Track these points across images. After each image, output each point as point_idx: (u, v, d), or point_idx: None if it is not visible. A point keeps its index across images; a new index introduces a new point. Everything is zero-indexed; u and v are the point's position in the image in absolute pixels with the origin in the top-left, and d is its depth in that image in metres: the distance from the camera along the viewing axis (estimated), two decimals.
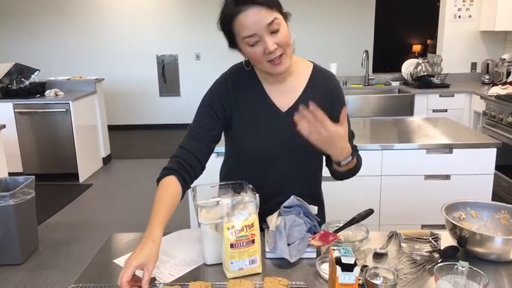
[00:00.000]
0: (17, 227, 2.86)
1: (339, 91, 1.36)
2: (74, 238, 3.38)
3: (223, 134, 1.38)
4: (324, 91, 1.33)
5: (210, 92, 1.34)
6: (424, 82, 4.42)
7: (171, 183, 1.22)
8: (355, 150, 1.38)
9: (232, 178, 1.34)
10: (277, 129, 1.30)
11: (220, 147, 1.45)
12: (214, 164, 1.49)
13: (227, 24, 1.18)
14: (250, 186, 1.24)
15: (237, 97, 1.31)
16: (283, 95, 1.32)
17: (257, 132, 1.31)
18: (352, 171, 1.30)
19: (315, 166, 1.39)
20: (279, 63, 1.19)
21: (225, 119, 1.32)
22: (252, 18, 1.13)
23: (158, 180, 1.25)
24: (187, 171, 1.26)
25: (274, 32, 1.15)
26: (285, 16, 1.21)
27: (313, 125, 1.09)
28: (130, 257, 1.04)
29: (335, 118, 1.31)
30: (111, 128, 5.63)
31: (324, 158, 1.40)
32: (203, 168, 1.32)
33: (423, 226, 2.44)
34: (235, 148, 1.39)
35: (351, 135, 1.37)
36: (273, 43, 1.15)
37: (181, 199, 1.25)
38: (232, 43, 1.22)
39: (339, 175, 1.31)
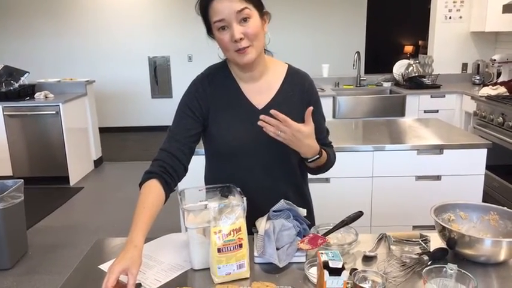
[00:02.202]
0: (5, 232, 2.82)
1: (314, 90, 1.40)
2: (64, 242, 3.35)
3: (201, 136, 1.38)
4: (299, 89, 1.36)
5: (187, 92, 1.35)
6: (415, 83, 4.43)
7: (153, 187, 1.21)
8: (329, 146, 1.44)
9: (215, 180, 1.34)
10: (253, 126, 1.29)
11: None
12: (203, 166, 1.48)
13: (204, 9, 1.22)
14: (238, 189, 1.23)
15: (213, 95, 1.33)
16: (259, 93, 1.34)
17: (234, 129, 1.32)
18: (323, 167, 1.38)
19: (295, 161, 1.38)
20: (243, 53, 1.21)
21: (203, 118, 1.33)
22: (224, 4, 1.16)
23: (140, 185, 1.23)
24: (169, 174, 1.25)
25: (243, 21, 1.18)
26: (262, 14, 1.24)
27: (277, 127, 1.16)
28: (114, 262, 1.03)
29: (313, 117, 1.34)
30: (103, 130, 5.59)
31: None
32: (186, 169, 1.32)
33: (414, 227, 2.43)
34: (214, 148, 1.39)
35: (326, 132, 1.45)
36: (239, 32, 1.18)
37: (165, 202, 1.24)
38: (209, 29, 1.25)
39: (310, 170, 1.40)
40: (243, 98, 1.33)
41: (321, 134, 1.39)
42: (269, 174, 1.35)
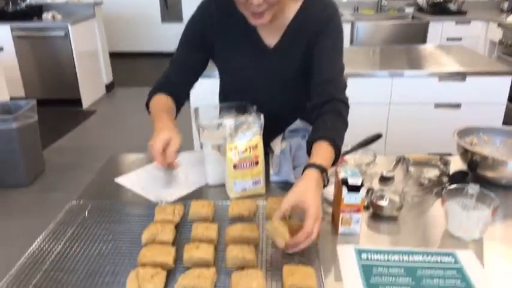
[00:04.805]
0: (21, 149, 2.88)
1: (329, 19, 1.15)
2: (79, 162, 3.41)
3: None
4: (313, 21, 1.15)
5: (192, 18, 1.23)
6: (440, 8, 4.19)
7: (163, 97, 1.21)
8: (336, 109, 1.14)
9: (228, 99, 1.30)
10: (263, 66, 1.21)
11: None
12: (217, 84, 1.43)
13: None
14: (255, 107, 1.19)
15: (220, 24, 1.19)
16: (272, 30, 1.18)
17: (244, 68, 1.23)
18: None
19: (305, 99, 1.24)
20: (258, 17, 1.06)
21: (207, 47, 1.23)
22: None
23: (147, 103, 1.23)
24: (172, 93, 1.23)
25: None
26: None
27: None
28: (154, 137, 1.02)
29: (322, 49, 1.15)
30: (113, 55, 5.48)
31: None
32: (187, 95, 1.30)
33: (429, 154, 2.41)
34: (224, 80, 1.34)
35: (340, 73, 1.17)
36: None
37: (176, 116, 1.21)
38: None
39: None
40: (254, 35, 1.19)
41: (331, 72, 1.14)
42: (281, 108, 1.26)
